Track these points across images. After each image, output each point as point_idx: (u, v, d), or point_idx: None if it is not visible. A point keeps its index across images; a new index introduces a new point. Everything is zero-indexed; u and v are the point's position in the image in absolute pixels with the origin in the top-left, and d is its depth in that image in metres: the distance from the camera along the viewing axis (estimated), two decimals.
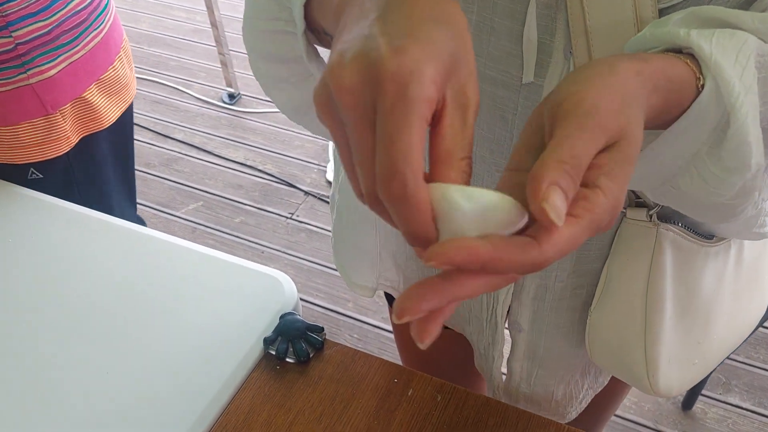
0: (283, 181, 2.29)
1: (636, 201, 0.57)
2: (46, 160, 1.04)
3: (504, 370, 0.78)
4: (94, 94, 1.06)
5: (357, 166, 0.32)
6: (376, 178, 0.30)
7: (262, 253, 2.04)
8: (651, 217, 0.56)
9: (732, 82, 0.37)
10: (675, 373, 0.61)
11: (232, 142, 2.47)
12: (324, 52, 0.49)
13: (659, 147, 0.41)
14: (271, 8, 0.49)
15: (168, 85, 2.75)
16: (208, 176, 2.33)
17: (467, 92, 0.32)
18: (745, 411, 1.61)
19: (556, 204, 0.29)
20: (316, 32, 0.46)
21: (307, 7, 0.44)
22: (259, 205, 2.21)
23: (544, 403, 0.78)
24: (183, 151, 2.43)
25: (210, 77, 2.79)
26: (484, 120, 0.55)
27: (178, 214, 2.19)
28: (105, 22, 1.06)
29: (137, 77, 2.71)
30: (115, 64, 1.10)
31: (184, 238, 0.94)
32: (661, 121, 0.38)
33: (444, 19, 0.33)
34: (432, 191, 0.31)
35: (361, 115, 0.31)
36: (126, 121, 1.19)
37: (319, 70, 0.49)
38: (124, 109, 1.15)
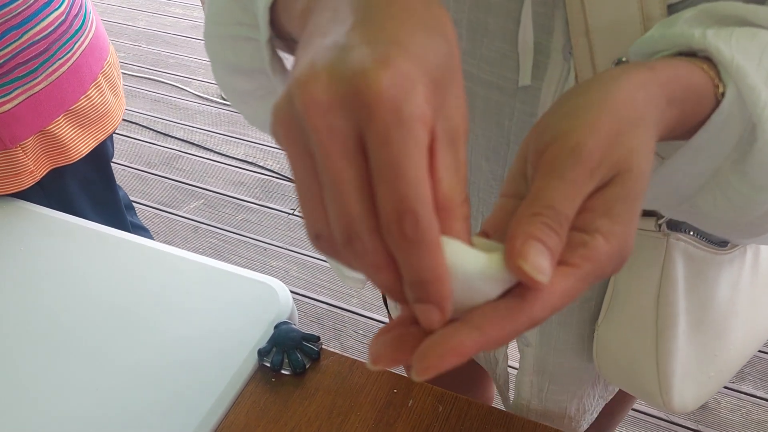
0: (285, 176, 2.27)
1: (643, 210, 0.53)
2: (17, 192, 0.98)
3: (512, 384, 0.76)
4: (61, 127, 0.99)
5: (330, 204, 0.26)
6: (383, 218, 0.25)
7: (265, 250, 2.02)
8: (660, 227, 0.52)
9: (757, 89, 0.32)
10: (690, 389, 0.58)
11: (233, 139, 2.44)
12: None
13: (676, 164, 0.36)
14: (233, 11, 0.43)
15: (167, 83, 2.72)
16: (208, 174, 2.31)
17: (457, 120, 0.27)
18: (759, 399, 1.58)
19: (535, 261, 0.26)
20: (285, 40, 0.41)
21: (274, 11, 0.38)
22: (260, 202, 2.19)
23: (557, 420, 0.76)
24: (183, 149, 2.41)
25: (209, 74, 2.76)
26: (478, 126, 0.52)
27: (179, 213, 2.17)
28: (75, 48, 0.98)
29: (136, 76, 2.71)
30: (89, 92, 1.01)
31: (186, 237, 0.91)
32: (678, 134, 0.34)
33: (434, 25, 0.27)
34: None
35: (337, 141, 0.25)
36: (104, 151, 1.10)
37: (283, 86, 0.44)
38: (101, 139, 1.06)
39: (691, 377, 0.57)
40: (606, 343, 0.60)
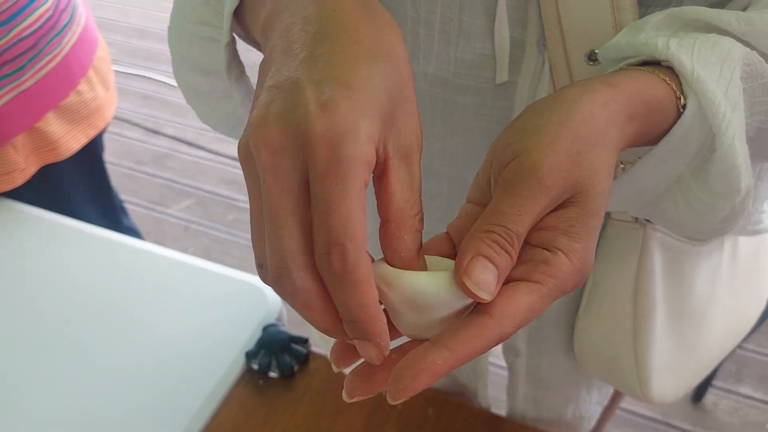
0: None
1: None
2: (8, 192, 0.96)
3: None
4: (51, 123, 0.96)
5: (267, 237, 0.28)
6: (315, 251, 0.27)
7: None
8: (636, 218, 0.52)
9: (717, 101, 0.33)
10: (669, 380, 0.58)
11: (224, 137, 2.41)
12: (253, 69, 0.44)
13: (639, 171, 0.37)
14: (201, 11, 0.43)
15: (158, 80, 2.69)
16: (200, 172, 2.28)
17: (410, 137, 0.29)
18: (756, 401, 1.56)
19: (479, 278, 0.27)
20: (252, 42, 0.42)
21: (240, 14, 0.39)
22: None
23: (554, 428, 0.73)
24: (174, 147, 2.38)
25: None
26: (459, 134, 0.51)
27: (170, 211, 2.14)
28: (64, 42, 0.95)
29: (127, 72, 2.68)
30: (79, 87, 0.99)
31: (177, 237, 0.89)
32: (639, 144, 0.35)
33: (381, 52, 0.29)
34: (376, 271, 0.29)
35: (280, 178, 0.27)
36: (95, 147, 1.08)
37: (240, 93, 0.44)
38: (93, 135, 1.04)
39: (670, 368, 0.58)
40: (586, 335, 0.60)
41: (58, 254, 0.86)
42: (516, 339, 0.64)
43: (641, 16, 0.39)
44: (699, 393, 1.55)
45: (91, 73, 1.01)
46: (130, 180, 2.24)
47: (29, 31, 0.89)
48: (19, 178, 0.95)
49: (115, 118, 2.54)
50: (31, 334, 0.77)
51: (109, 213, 1.17)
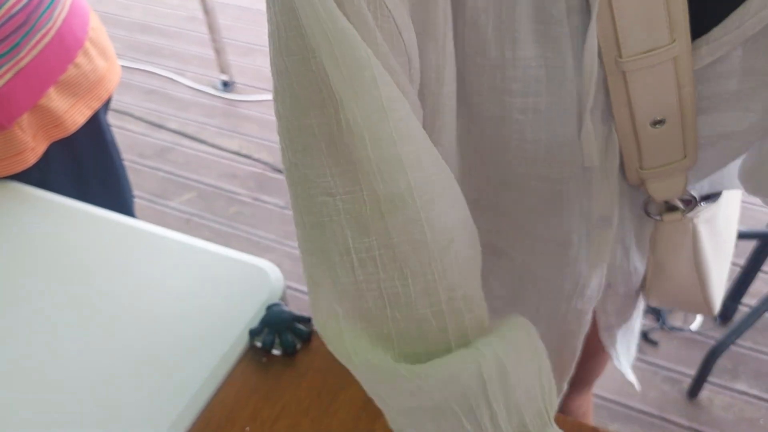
0: (279, 169, 2.25)
1: (666, 204, 0.57)
2: (17, 174, 0.97)
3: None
4: (53, 99, 0.97)
5: None
6: None
7: (258, 243, 2.00)
8: (686, 214, 0.57)
9: None
10: (719, 296, 0.68)
11: (227, 131, 2.43)
12: None
13: None
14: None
15: (160, 75, 2.71)
16: (202, 166, 2.29)
17: None
18: (751, 398, 1.57)
19: None
20: None
21: None
22: (254, 195, 2.17)
23: None
24: (176, 141, 2.39)
25: (203, 65, 2.75)
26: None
27: (171, 204, 2.15)
28: (55, 16, 0.95)
29: (129, 67, 2.70)
30: (77, 60, 0.99)
31: (178, 230, 0.90)
32: None
33: None
34: None
35: None
36: (101, 119, 1.09)
37: None
38: (96, 107, 1.04)
39: (719, 288, 0.68)
40: (655, 294, 0.68)
41: (64, 236, 0.87)
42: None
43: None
44: (695, 389, 1.56)
45: (87, 44, 1.01)
46: (132, 173, 2.23)
47: (18, 6, 0.89)
48: (31, 158, 0.96)
49: (118, 111, 2.56)
50: (34, 314, 0.78)
51: (118, 192, 1.18)
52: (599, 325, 0.70)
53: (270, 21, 0.37)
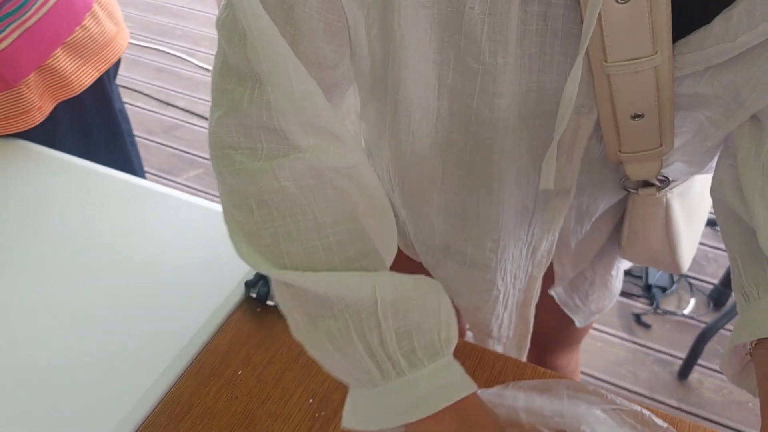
0: None
1: (643, 182, 0.59)
2: (25, 131, 0.99)
3: None
4: (60, 60, 0.99)
5: None
6: None
7: None
8: (661, 189, 0.60)
9: None
10: (688, 254, 0.71)
11: None
12: None
13: None
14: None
15: (171, 54, 2.74)
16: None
17: None
18: None
19: None
20: None
21: None
22: None
23: None
24: (185, 119, 2.43)
25: (213, 46, 2.76)
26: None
27: (179, 180, 2.19)
28: None
29: (141, 45, 2.73)
30: (85, 23, 1.01)
31: None
32: None
33: None
34: None
35: None
36: (109, 87, 1.11)
37: None
38: (104, 69, 1.07)
39: (690, 247, 0.71)
40: (629, 252, 0.71)
41: (69, 193, 0.90)
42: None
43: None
44: (685, 371, 1.59)
45: (96, 7, 1.03)
46: (140, 149, 2.27)
47: None
48: (38, 116, 0.99)
49: (128, 88, 2.58)
50: (37, 267, 0.81)
51: (127, 155, 1.21)
52: (555, 277, 0.73)
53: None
